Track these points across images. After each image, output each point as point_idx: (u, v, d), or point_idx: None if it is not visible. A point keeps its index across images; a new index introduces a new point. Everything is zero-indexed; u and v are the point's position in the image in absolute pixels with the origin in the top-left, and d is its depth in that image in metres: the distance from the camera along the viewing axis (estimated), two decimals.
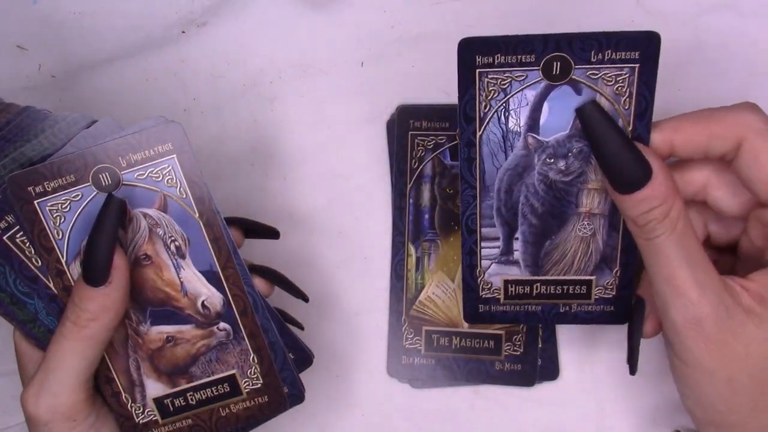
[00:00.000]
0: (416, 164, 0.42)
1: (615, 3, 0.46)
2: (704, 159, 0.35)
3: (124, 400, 0.38)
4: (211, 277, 0.37)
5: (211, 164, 0.48)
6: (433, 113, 0.43)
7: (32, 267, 0.37)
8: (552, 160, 0.38)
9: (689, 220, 0.33)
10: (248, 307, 0.38)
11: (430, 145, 0.42)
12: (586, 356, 0.46)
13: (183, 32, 0.48)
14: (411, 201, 0.43)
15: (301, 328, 0.42)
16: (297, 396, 0.39)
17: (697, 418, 0.35)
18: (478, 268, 0.40)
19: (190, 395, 0.38)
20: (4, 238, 0.36)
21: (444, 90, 0.47)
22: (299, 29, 0.48)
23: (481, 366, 0.45)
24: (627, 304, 0.40)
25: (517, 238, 0.40)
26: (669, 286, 0.33)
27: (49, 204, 0.36)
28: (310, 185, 0.48)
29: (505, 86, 0.37)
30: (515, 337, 0.45)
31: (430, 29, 0.47)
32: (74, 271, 0.36)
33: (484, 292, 0.41)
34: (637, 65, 0.36)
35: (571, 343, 0.46)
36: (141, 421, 0.38)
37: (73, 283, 0.36)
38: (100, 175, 0.36)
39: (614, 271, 0.39)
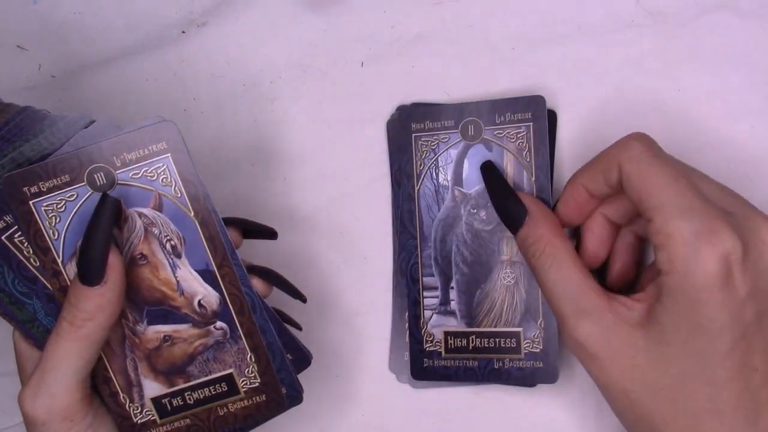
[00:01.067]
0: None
1: (615, 3, 0.46)
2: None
3: (122, 400, 0.38)
4: (207, 276, 0.37)
5: (211, 164, 0.48)
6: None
7: (30, 267, 0.37)
8: (475, 210, 0.44)
9: (570, 255, 0.37)
10: (245, 305, 0.38)
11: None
12: None
13: (183, 32, 0.48)
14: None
15: (299, 328, 0.42)
16: (295, 397, 0.39)
17: (624, 428, 0.38)
18: (422, 319, 0.45)
19: (187, 395, 0.38)
20: (3, 238, 0.36)
21: (444, 90, 0.47)
22: (299, 29, 0.48)
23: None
24: (554, 363, 0.43)
25: (452, 288, 0.45)
26: (558, 316, 0.37)
27: (44, 204, 0.36)
28: (310, 185, 0.48)
29: (434, 147, 0.45)
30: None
31: (430, 29, 0.47)
32: (70, 271, 0.36)
33: (427, 345, 0.45)
34: (531, 123, 0.43)
35: None
36: (139, 421, 0.38)
37: (69, 284, 0.36)
38: (95, 175, 0.36)
39: (539, 323, 0.44)
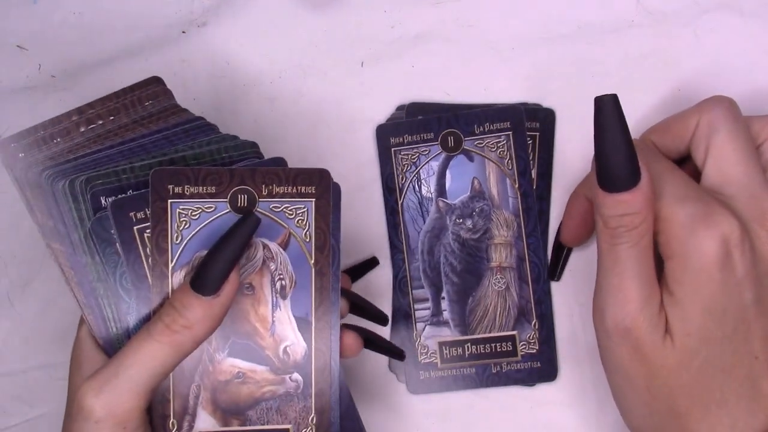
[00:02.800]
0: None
1: (615, 3, 0.46)
2: None
3: (170, 426, 0.36)
4: (302, 324, 0.36)
5: None
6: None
7: (146, 266, 0.36)
8: (461, 220, 0.44)
9: (652, 238, 0.35)
10: (327, 365, 0.37)
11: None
12: (586, 356, 0.46)
13: (183, 32, 0.48)
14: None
15: (402, 358, 0.42)
16: None
17: (628, 425, 0.37)
18: (415, 332, 0.45)
19: None
20: (135, 228, 0.35)
21: (444, 90, 0.47)
22: (299, 29, 0.48)
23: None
24: (553, 360, 0.44)
25: (443, 298, 0.45)
26: (614, 294, 0.35)
27: (181, 206, 0.35)
28: None
29: (415, 160, 0.45)
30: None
31: (430, 29, 0.47)
32: (176, 279, 0.35)
33: (422, 357, 0.45)
34: (510, 132, 0.44)
35: (571, 343, 0.46)
36: None
37: (170, 291, 0.35)
38: (239, 195, 0.35)
39: (533, 324, 0.44)
